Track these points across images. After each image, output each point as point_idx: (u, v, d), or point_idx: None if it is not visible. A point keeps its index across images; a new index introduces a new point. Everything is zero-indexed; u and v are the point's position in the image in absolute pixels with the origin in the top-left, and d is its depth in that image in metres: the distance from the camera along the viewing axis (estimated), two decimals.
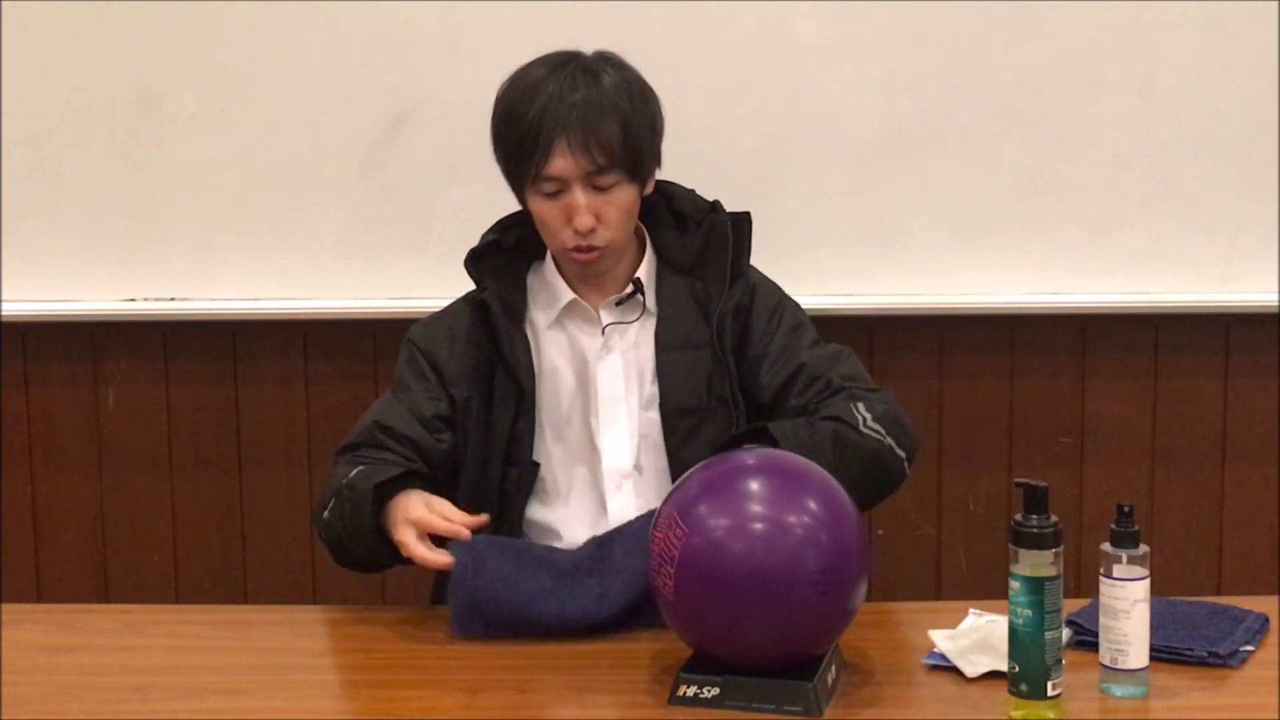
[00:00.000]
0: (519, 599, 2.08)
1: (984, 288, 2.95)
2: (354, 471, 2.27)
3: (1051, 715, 1.78)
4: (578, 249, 2.32)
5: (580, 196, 2.30)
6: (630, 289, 2.39)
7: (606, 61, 2.37)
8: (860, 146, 2.92)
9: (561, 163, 2.29)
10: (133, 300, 2.97)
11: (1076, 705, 1.82)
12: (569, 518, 2.37)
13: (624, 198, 2.33)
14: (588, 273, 2.37)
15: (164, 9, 2.89)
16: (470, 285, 2.44)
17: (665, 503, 1.91)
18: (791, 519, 1.85)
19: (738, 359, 2.37)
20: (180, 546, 3.07)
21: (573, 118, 2.29)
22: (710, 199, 2.45)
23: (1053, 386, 3.03)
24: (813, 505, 1.86)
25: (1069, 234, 2.94)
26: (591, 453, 2.37)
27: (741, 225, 2.41)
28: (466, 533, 2.12)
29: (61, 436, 3.06)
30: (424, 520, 2.14)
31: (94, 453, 3.05)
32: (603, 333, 2.38)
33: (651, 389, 2.37)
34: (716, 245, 2.39)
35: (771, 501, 1.87)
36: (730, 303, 2.36)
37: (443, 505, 2.18)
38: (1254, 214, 2.93)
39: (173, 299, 2.97)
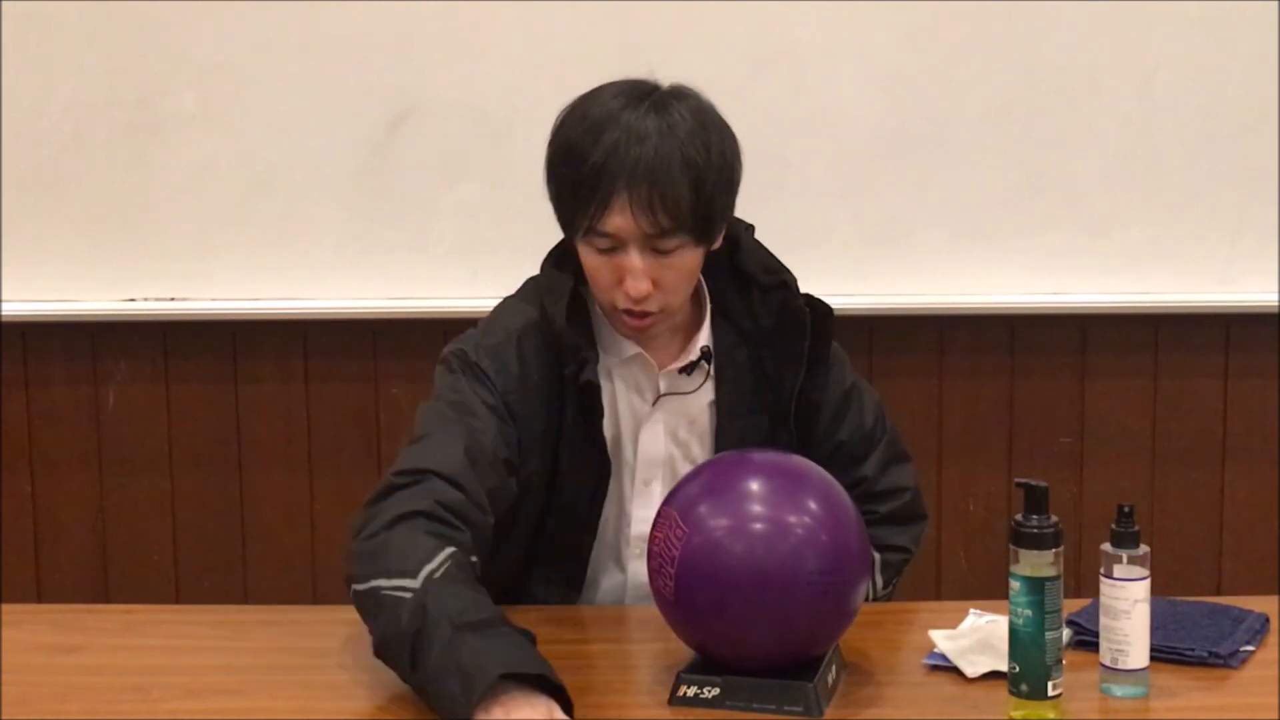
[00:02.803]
0: None
1: (984, 288, 2.95)
2: (453, 598, 1.83)
3: (1051, 715, 1.78)
4: (629, 313, 2.09)
5: (636, 259, 2.04)
6: (696, 356, 2.17)
7: (684, 101, 2.09)
8: (860, 146, 2.92)
9: (619, 220, 2.02)
10: (133, 300, 2.97)
11: (1076, 705, 1.81)
12: (589, 577, 2.25)
13: (687, 261, 2.08)
14: (638, 336, 2.15)
15: (164, 9, 2.89)
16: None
17: (665, 503, 1.91)
18: (791, 519, 1.84)
19: (803, 427, 2.23)
20: (180, 546, 3.07)
21: (639, 171, 2.01)
22: (782, 267, 2.20)
23: (1053, 386, 3.03)
24: (813, 505, 1.86)
25: (1069, 234, 2.94)
26: (619, 514, 2.23)
27: (823, 319, 2.18)
28: None
29: (61, 436, 3.06)
30: None
31: (94, 453, 3.05)
32: (655, 402, 2.19)
33: (699, 450, 2.22)
34: (791, 330, 2.17)
35: (771, 501, 1.87)
36: (813, 393, 2.20)
37: None
38: (1254, 214, 2.93)
39: (173, 299, 2.97)
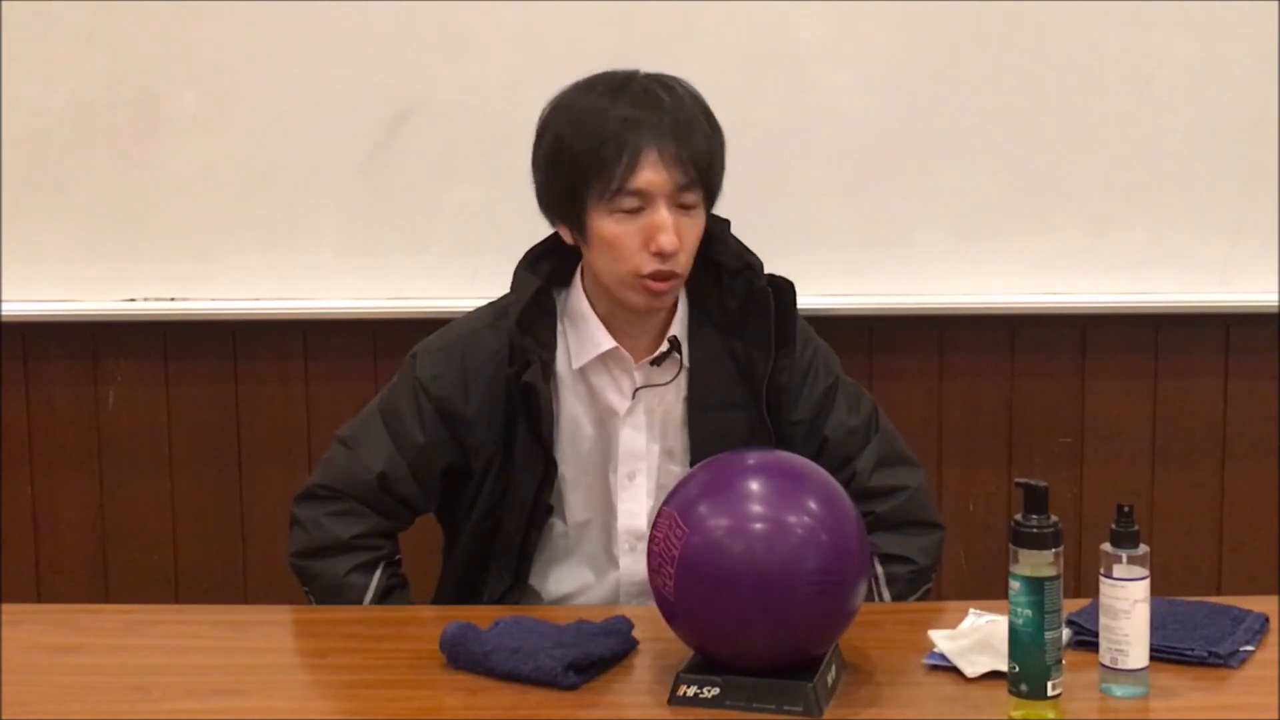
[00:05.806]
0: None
1: (984, 288, 2.95)
2: (360, 578, 2.30)
3: (1051, 715, 1.78)
4: (656, 275, 2.13)
5: (666, 214, 2.11)
6: (666, 347, 2.23)
7: (672, 79, 2.20)
8: (860, 146, 2.92)
9: (651, 175, 2.11)
10: (133, 300, 2.97)
11: (1076, 705, 1.82)
12: (580, 573, 2.32)
13: (699, 223, 2.17)
14: (653, 305, 2.19)
15: (164, 9, 2.89)
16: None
17: (665, 503, 1.91)
18: (791, 519, 1.84)
19: (774, 422, 2.27)
20: (180, 546, 3.07)
21: (665, 126, 2.11)
22: (749, 253, 2.27)
23: (1053, 386, 3.03)
24: (813, 505, 1.86)
25: (1069, 234, 2.94)
26: (607, 509, 2.29)
27: (784, 293, 2.25)
28: None
29: (61, 436, 3.06)
30: None
31: (94, 453, 3.05)
32: (634, 395, 2.25)
33: (676, 444, 2.27)
34: (758, 311, 2.24)
35: (771, 501, 1.87)
36: (783, 376, 2.24)
37: None
38: (1254, 214, 2.93)
39: (173, 299, 2.97)
